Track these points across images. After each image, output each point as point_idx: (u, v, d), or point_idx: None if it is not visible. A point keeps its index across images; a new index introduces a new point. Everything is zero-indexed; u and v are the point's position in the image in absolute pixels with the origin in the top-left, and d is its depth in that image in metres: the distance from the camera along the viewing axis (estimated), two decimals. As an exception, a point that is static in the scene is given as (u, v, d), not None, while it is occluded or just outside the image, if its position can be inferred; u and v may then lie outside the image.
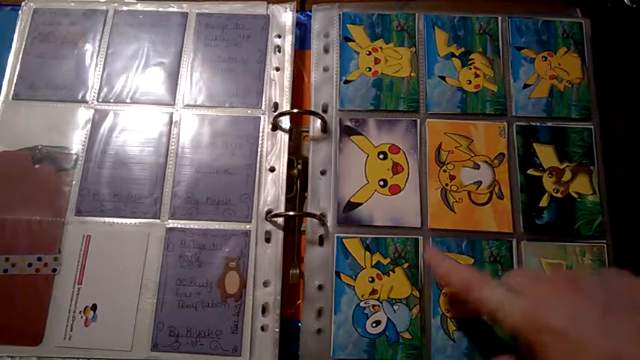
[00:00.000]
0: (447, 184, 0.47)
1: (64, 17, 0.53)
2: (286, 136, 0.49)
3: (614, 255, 0.45)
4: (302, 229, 0.47)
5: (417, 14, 0.53)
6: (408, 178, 0.48)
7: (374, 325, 0.44)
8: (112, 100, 0.51)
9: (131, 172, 0.48)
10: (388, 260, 0.45)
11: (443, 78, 0.51)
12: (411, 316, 0.44)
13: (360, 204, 0.47)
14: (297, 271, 0.45)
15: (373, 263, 0.45)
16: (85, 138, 0.49)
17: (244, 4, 0.54)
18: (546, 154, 0.48)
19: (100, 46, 0.52)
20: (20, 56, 0.52)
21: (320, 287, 0.45)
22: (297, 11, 0.54)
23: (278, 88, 0.51)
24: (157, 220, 0.47)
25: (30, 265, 0.45)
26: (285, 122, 0.50)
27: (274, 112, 0.50)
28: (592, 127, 0.49)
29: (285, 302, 0.45)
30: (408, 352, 0.43)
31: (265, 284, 0.45)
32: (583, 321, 0.33)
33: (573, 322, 0.33)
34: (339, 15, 0.53)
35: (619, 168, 0.50)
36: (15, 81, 0.51)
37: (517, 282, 0.37)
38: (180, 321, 0.43)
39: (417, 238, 0.46)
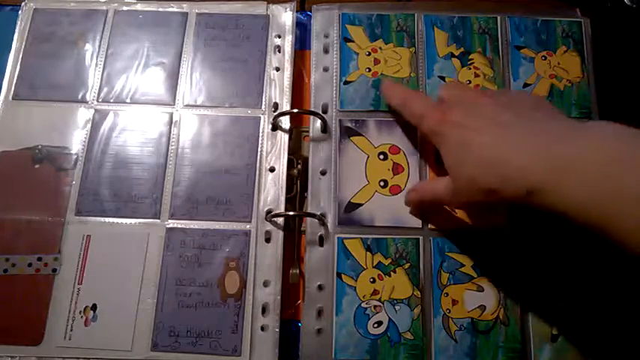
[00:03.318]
0: (447, 184, 0.47)
1: (64, 17, 0.53)
2: (286, 136, 0.49)
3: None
4: (302, 229, 0.47)
5: (416, 14, 0.53)
6: (408, 179, 0.48)
7: (375, 325, 0.43)
8: (112, 100, 0.51)
9: (131, 172, 0.48)
10: (389, 261, 0.45)
11: (443, 78, 0.51)
12: (413, 317, 0.44)
13: (361, 204, 0.47)
14: (297, 271, 0.45)
15: (374, 264, 0.45)
16: (85, 138, 0.49)
17: (244, 4, 0.54)
18: (547, 154, 0.48)
19: (100, 46, 0.52)
20: (20, 56, 0.52)
21: (320, 287, 0.45)
22: (297, 11, 0.54)
23: (278, 88, 0.51)
24: (157, 220, 0.46)
25: (30, 265, 0.45)
26: (285, 122, 0.50)
27: (274, 112, 0.50)
28: (592, 126, 0.49)
29: (285, 302, 0.45)
30: (409, 352, 0.43)
31: (265, 284, 0.45)
32: (479, 115, 0.38)
33: (470, 116, 0.38)
34: (339, 15, 0.53)
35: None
36: (15, 81, 0.51)
37: (448, 94, 0.42)
38: (180, 321, 0.43)
39: (418, 239, 0.46)
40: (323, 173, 0.48)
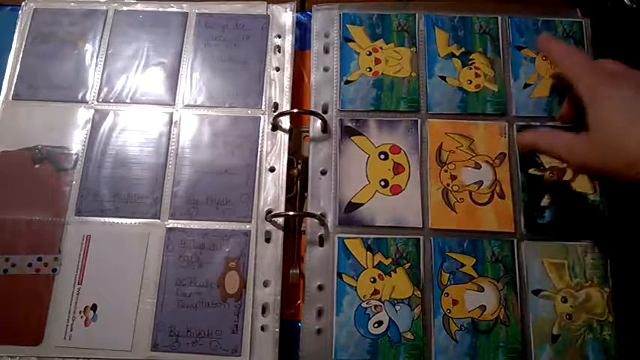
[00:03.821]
0: (448, 184, 0.47)
1: (64, 17, 0.53)
2: (286, 136, 0.49)
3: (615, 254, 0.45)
4: (302, 229, 0.47)
5: (417, 14, 0.53)
6: (409, 179, 0.47)
7: (376, 325, 0.43)
8: (112, 100, 0.51)
9: (131, 172, 0.48)
10: (390, 260, 0.45)
11: (443, 78, 0.51)
12: (413, 317, 0.44)
13: (362, 204, 0.47)
14: (297, 271, 0.45)
15: (375, 264, 0.45)
16: (85, 138, 0.49)
17: (244, 4, 0.54)
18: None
19: (100, 47, 0.52)
20: (20, 56, 0.52)
21: (320, 287, 0.45)
22: (297, 11, 0.54)
23: (278, 88, 0.51)
24: (157, 220, 0.46)
25: (30, 265, 0.45)
26: (285, 122, 0.50)
27: (274, 112, 0.50)
28: (593, 126, 0.49)
29: (285, 302, 0.45)
30: (410, 352, 0.43)
31: (265, 284, 0.45)
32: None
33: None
34: (339, 15, 0.53)
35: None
36: (15, 81, 0.51)
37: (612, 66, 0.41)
38: (180, 321, 0.43)
39: (419, 238, 0.46)
40: (323, 173, 0.48)
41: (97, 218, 0.46)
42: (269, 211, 0.47)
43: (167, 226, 0.46)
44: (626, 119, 0.36)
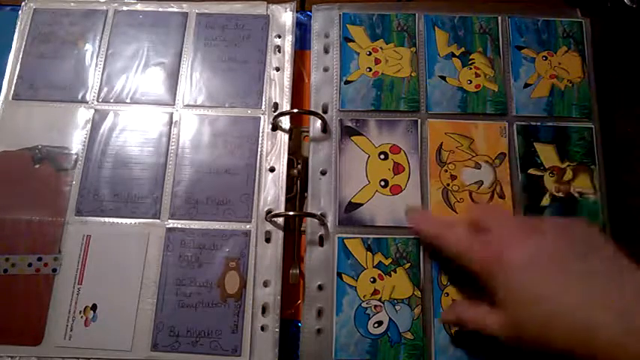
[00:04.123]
0: (448, 184, 0.47)
1: (64, 17, 0.53)
2: (286, 136, 0.49)
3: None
4: (302, 229, 0.47)
5: (417, 14, 0.53)
6: (409, 179, 0.47)
7: (376, 325, 0.43)
8: (112, 100, 0.51)
9: (131, 172, 0.48)
10: (390, 260, 0.45)
11: (443, 78, 0.51)
12: (413, 317, 0.44)
13: (362, 204, 0.47)
14: (297, 271, 0.45)
15: (375, 264, 0.45)
16: (85, 138, 0.49)
17: (244, 4, 0.54)
18: (547, 154, 0.48)
19: (100, 46, 0.52)
20: (20, 56, 0.52)
21: (320, 287, 0.45)
22: (297, 11, 0.54)
23: (278, 88, 0.51)
24: (157, 220, 0.46)
25: (30, 265, 0.45)
26: (285, 122, 0.50)
27: (274, 112, 0.50)
28: (592, 126, 0.49)
29: (285, 302, 0.45)
30: (410, 352, 0.43)
31: (265, 284, 0.45)
32: (544, 257, 0.35)
33: (534, 260, 0.36)
34: (339, 15, 0.53)
35: (619, 167, 0.50)
36: (15, 81, 0.51)
37: (489, 221, 0.40)
38: (180, 321, 0.43)
39: (419, 238, 0.46)
40: (323, 173, 0.48)
41: (97, 218, 0.46)
42: (269, 211, 0.47)
43: (167, 226, 0.46)
44: (528, 304, 0.35)
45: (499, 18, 0.53)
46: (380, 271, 0.45)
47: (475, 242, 0.39)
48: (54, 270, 0.45)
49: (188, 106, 0.50)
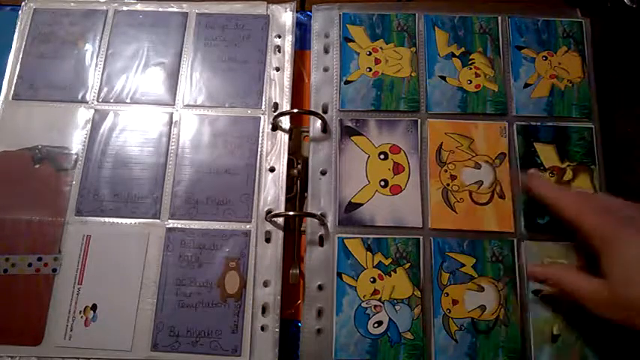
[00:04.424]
0: (448, 184, 0.47)
1: (64, 17, 0.53)
2: (286, 136, 0.49)
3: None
4: (302, 229, 0.47)
5: (417, 14, 0.53)
6: (409, 179, 0.47)
7: (376, 325, 0.43)
8: (112, 100, 0.51)
9: (131, 172, 0.48)
10: (390, 260, 0.45)
11: (443, 78, 0.51)
12: (413, 317, 0.44)
13: (362, 204, 0.47)
14: (297, 271, 0.45)
15: (375, 264, 0.45)
16: (85, 138, 0.49)
17: (244, 4, 0.54)
18: (547, 154, 0.48)
19: (100, 46, 0.52)
20: (20, 56, 0.52)
21: (320, 287, 0.45)
22: (297, 11, 0.54)
23: (278, 88, 0.51)
24: (157, 220, 0.46)
25: (30, 265, 0.45)
26: (285, 122, 0.50)
27: (274, 112, 0.50)
28: (592, 126, 0.49)
29: (285, 302, 0.45)
30: (409, 352, 0.43)
31: (265, 284, 0.45)
32: None
33: None
34: (339, 15, 0.53)
35: (619, 167, 0.50)
36: (15, 81, 0.51)
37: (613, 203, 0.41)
38: (180, 321, 0.43)
39: (419, 238, 0.46)
40: (323, 173, 0.48)
41: (97, 218, 0.46)
42: (269, 211, 0.47)
43: (167, 226, 0.46)
44: None
45: (499, 18, 0.53)
46: (380, 271, 0.45)
47: (596, 210, 0.39)
48: (54, 270, 0.45)
49: (188, 106, 0.50)
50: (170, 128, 0.49)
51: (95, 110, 0.50)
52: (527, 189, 0.46)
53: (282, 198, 0.47)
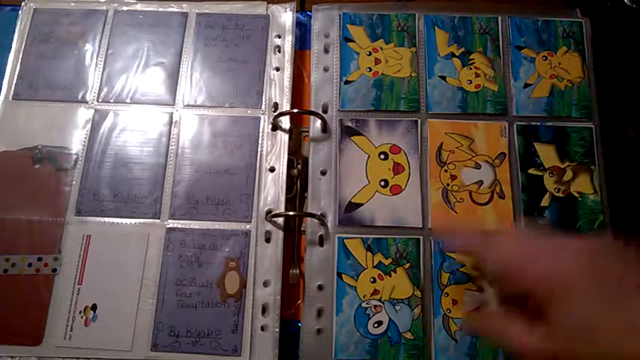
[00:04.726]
0: (448, 184, 0.47)
1: (64, 17, 0.53)
2: (286, 136, 0.49)
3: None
4: (302, 229, 0.47)
5: (417, 14, 0.53)
6: (409, 179, 0.47)
7: (376, 325, 0.43)
8: (112, 100, 0.51)
9: (131, 172, 0.48)
10: (390, 260, 0.45)
11: (443, 78, 0.51)
12: (413, 317, 0.44)
13: (362, 204, 0.47)
14: (297, 271, 0.45)
15: (375, 264, 0.45)
16: (85, 138, 0.49)
17: (244, 4, 0.54)
18: (547, 154, 0.48)
19: (100, 46, 0.52)
20: (20, 56, 0.52)
21: (320, 287, 0.45)
22: (297, 11, 0.54)
23: (278, 88, 0.51)
24: (157, 220, 0.46)
25: (30, 265, 0.45)
26: (285, 122, 0.50)
27: (274, 112, 0.50)
28: (592, 126, 0.49)
29: (285, 302, 0.45)
30: (409, 352, 0.43)
31: (265, 284, 0.45)
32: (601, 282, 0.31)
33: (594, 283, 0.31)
34: (340, 15, 0.53)
35: (619, 167, 0.50)
36: (15, 81, 0.51)
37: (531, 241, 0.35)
38: (180, 321, 0.43)
39: (419, 238, 0.46)
40: (323, 173, 0.48)
41: (97, 218, 0.46)
42: (269, 211, 0.47)
43: (167, 226, 0.46)
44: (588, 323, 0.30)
45: (499, 18, 0.53)
46: (380, 271, 0.45)
47: (527, 252, 0.34)
48: (54, 270, 0.45)
49: (188, 106, 0.50)
50: (170, 128, 0.49)
51: (95, 110, 0.50)
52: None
53: (282, 198, 0.47)
